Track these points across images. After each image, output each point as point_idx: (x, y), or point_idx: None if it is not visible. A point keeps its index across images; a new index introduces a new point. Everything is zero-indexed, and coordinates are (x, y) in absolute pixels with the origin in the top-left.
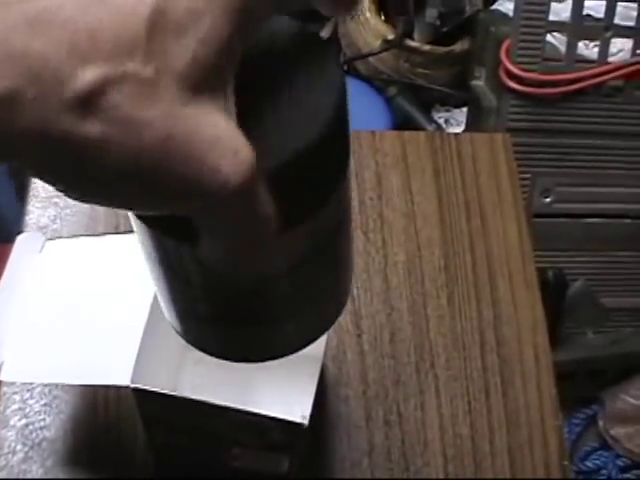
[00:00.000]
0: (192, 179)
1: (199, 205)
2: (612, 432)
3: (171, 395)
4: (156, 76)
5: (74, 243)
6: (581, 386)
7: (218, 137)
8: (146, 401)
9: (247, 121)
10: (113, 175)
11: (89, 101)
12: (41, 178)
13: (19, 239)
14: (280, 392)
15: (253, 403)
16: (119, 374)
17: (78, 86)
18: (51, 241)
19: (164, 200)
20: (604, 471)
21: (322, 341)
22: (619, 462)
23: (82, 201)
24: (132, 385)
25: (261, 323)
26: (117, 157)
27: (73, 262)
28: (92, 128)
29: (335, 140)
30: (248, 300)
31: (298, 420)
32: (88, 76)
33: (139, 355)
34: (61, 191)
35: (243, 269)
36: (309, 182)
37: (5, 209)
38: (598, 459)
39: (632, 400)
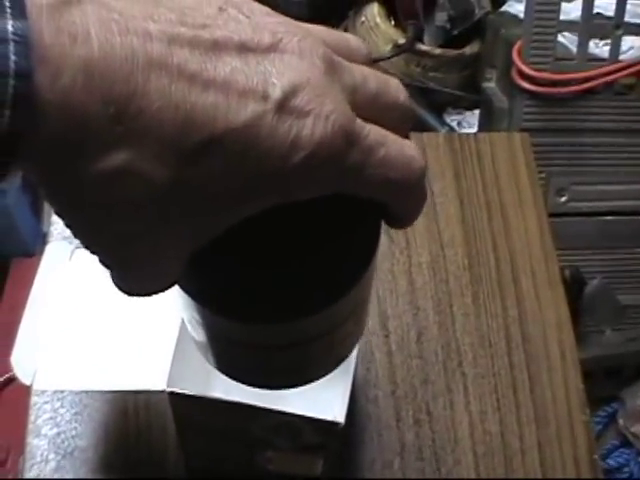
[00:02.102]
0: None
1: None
2: (633, 429)
3: (208, 398)
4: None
5: None
6: (600, 384)
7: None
8: (181, 405)
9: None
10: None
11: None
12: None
13: (48, 247)
14: (313, 393)
15: (287, 404)
16: (154, 379)
17: (103, 163)
18: (80, 249)
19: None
20: (626, 469)
21: None
22: None
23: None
24: (168, 389)
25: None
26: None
27: (103, 269)
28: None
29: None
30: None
31: (334, 419)
32: (115, 158)
33: (174, 359)
34: None
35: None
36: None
37: (20, 224)
38: (620, 456)
39: None
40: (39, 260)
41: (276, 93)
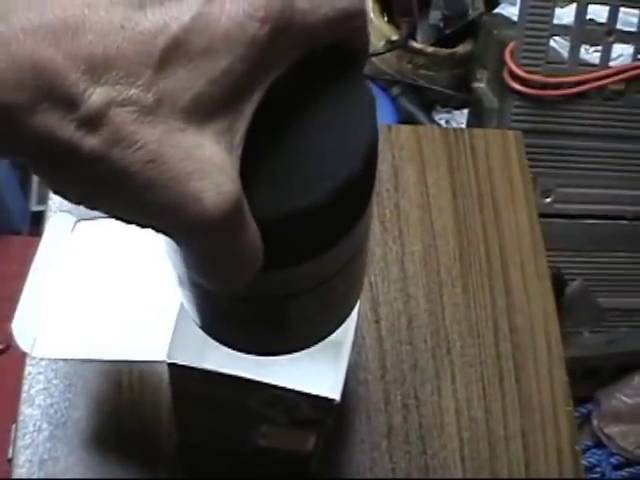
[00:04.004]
0: (171, 204)
1: (181, 230)
2: (606, 431)
3: (208, 370)
4: (155, 104)
5: (106, 223)
6: (577, 385)
7: (206, 169)
8: (180, 377)
9: (269, 159)
10: (98, 185)
11: (92, 120)
12: (36, 174)
13: (51, 220)
14: (310, 369)
15: (285, 379)
16: (155, 350)
17: (86, 107)
18: (83, 221)
19: (147, 218)
20: (598, 469)
21: (353, 318)
22: (613, 460)
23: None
24: (169, 360)
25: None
26: (105, 170)
27: (105, 241)
28: (89, 142)
29: (359, 186)
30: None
31: (330, 396)
32: (96, 98)
33: (175, 331)
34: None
35: (221, 291)
36: (325, 226)
37: (9, 201)
38: (592, 457)
39: (627, 399)
40: (25, 238)
41: None
